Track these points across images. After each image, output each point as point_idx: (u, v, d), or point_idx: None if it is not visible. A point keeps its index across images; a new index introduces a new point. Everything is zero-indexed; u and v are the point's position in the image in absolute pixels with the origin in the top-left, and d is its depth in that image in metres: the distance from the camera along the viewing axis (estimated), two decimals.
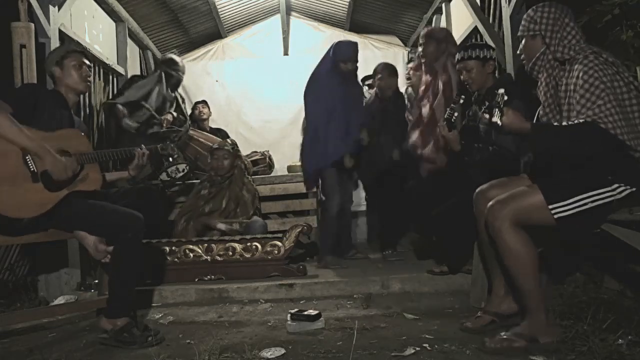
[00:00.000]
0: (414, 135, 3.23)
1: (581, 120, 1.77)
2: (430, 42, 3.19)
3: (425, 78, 3.26)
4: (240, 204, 3.58)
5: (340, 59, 3.39)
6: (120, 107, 4.05)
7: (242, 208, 3.57)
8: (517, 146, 2.37)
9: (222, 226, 3.48)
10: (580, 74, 1.81)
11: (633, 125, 1.79)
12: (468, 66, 2.59)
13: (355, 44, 3.50)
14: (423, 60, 3.27)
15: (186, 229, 3.54)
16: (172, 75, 4.42)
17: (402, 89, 4.02)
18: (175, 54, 4.78)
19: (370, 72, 4.23)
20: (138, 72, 5.44)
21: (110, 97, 4.50)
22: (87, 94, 3.76)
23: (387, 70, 3.77)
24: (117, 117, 4.05)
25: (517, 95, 2.44)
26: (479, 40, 4.23)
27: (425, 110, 3.19)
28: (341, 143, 3.37)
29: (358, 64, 3.50)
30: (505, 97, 1.83)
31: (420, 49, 3.28)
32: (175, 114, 4.47)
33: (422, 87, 3.28)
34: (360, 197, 4.43)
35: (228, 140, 3.79)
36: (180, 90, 6.10)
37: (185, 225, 3.56)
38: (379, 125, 3.71)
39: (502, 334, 1.85)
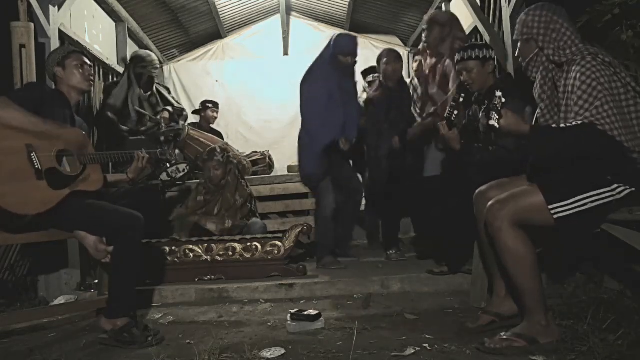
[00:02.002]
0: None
1: (579, 122, 1.77)
2: (434, 26, 3.13)
3: (431, 61, 3.18)
4: (231, 209, 3.58)
5: (339, 51, 3.32)
6: (109, 114, 4.06)
7: (232, 213, 3.57)
8: (517, 146, 2.37)
9: (212, 227, 3.47)
10: (578, 75, 1.81)
11: (630, 126, 1.79)
12: (468, 67, 2.58)
13: (355, 38, 3.45)
14: (426, 45, 3.20)
15: (179, 228, 3.56)
16: (142, 73, 4.23)
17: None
18: (175, 55, 4.72)
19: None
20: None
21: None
22: (87, 94, 3.76)
23: (392, 55, 3.62)
24: (109, 124, 4.06)
25: (517, 95, 2.44)
26: (479, 40, 4.23)
27: (434, 91, 3.12)
28: (334, 134, 3.29)
29: (357, 59, 3.42)
30: (503, 100, 1.83)
31: (424, 35, 3.21)
32: (171, 109, 4.43)
33: (428, 71, 3.19)
34: None
35: (217, 147, 3.76)
36: (179, 90, 6.14)
37: (179, 224, 3.58)
38: (383, 114, 3.61)
39: (502, 334, 1.85)
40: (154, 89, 4.42)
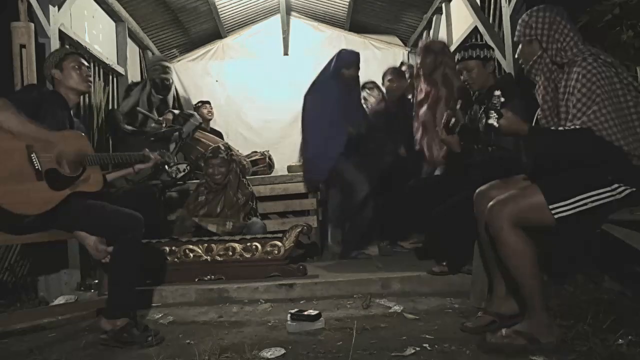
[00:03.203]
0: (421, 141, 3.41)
1: (577, 126, 1.77)
2: (428, 54, 3.32)
3: (425, 87, 3.38)
4: (234, 207, 3.58)
5: (342, 65, 3.52)
6: (116, 115, 4.17)
7: (234, 211, 3.58)
8: (517, 146, 2.37)
9: (212, 228, 3.48)
10: (579, 77, 1.81)
11: (631, 127, 1.79)
12: (468, 66, 2.58)
13: (357, 53, 3.68)
14: (421, 72, 3.40)
15: (180, 229, 3.56)
16: (153, 78, 4.31)
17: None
18: (175, 55, 4.77)
19: (370, 73, 4.24)
20: (138, 72, 5.45)
21: (111, 99, 4.60)
22: (87, 94, 3.77)
23: (395, 74, 3.92)
24: (116, 122, 4.15)
25: (518, 95, 2.44)
26: (479, 40, 4.23)
27: (427, 117, 3.31)
28: (341, 149, 3.47)
29: (359, 71, 3.64)
30: (502, 99, 1.83)
31: (418, 60, 3.42)
32: (176, 112, 4.45)
33: (422, 96, 3.39)
34: None
35: (221, 145, 3.78)
36: (180, 90, 6.15)
37: (180, 226, 3.58)
38: (384, 126, 3.77)
39: (503, 330, 1.86)
40: (170, 96, 4.47)
